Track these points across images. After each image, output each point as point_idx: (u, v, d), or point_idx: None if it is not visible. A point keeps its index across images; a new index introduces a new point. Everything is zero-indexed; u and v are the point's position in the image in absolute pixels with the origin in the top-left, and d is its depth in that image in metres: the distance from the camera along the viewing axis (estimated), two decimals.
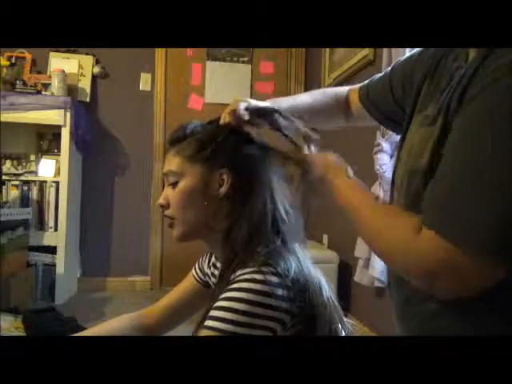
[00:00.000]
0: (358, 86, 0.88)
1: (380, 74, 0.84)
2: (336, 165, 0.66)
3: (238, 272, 0.62)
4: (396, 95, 0.76)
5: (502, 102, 0.46)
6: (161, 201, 0.73)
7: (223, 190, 0.69)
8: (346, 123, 0.92)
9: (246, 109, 0.71)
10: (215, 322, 0.58)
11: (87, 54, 2.76)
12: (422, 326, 0.60)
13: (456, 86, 0.55)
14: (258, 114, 0.73)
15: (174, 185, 0.71)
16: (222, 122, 0.73)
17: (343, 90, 0.90)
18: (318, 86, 2.73)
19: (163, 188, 0.75)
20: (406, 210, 0.61)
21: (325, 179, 0.65)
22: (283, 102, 0.83)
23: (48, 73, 2.66)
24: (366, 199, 0.62)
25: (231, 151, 0.70)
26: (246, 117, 0.70)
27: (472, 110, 0.49)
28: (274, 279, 0.60)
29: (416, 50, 0.75)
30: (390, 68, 0.82)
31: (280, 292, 0.59)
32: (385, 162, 1.70)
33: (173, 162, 0.72)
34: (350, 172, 0.65)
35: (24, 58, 2.69)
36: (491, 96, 0.47)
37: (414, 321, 0.62)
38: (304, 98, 0.88)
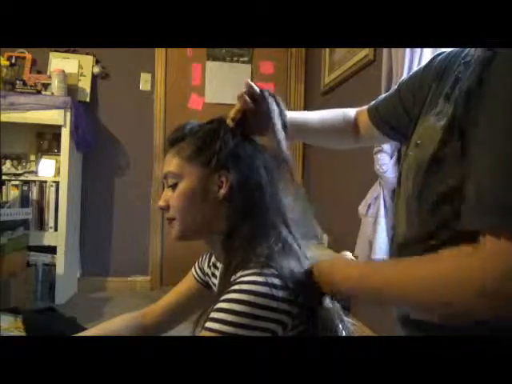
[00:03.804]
0: (364, 107, 0.90)
1: (385, 94, 0.86)
2: (334, 265, 0.63)
3: (239, 273, 0.62)
4: (406, 104, 0.77)
5: None
6: (161, 203, 0.72)
7: (222, 191, 0.69)
8: (355, 144, 0.94)
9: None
10: (215, 324, 0.58)
11: (87, 54, 2.76)
12: (423, 319, 0.60)
13: (466, 78, 0.56)
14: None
15: (174, 187, 0.71)
16: (237, 104, 0.72)
17: (351, 111, 0.92)
18: (318, 86, 2.72)
19: (163, 188, 0.75)
20: (409, 204, 0.62)
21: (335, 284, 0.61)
22: (293, 113, 0.83)
23: (48, 73, 2.66)
24: (388, 267, 0.56)
25: (230, 152, 0.70)
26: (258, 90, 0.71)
27: (492, 104, 0.48)
28: (275, 281, 0.60)
29: (423, 64, 0.77)
30: (396, 86, 0.83)
31: (281, 294, 0.59)
32: (385, 162, 1.69)
33: (172, 163, 0.71)
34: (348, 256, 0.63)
35: (24, 58, 2.69)
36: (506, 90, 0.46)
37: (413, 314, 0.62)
38: (313, 116, 0.89)
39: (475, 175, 0.46)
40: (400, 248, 0.67)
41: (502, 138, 0.44)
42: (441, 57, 0.71)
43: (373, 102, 0.88)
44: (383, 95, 0.87)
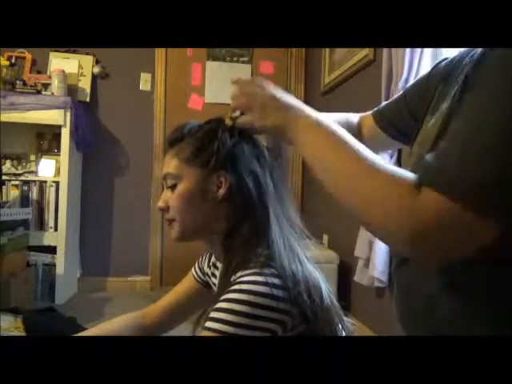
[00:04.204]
0: (367, 113, 0.90)
1: (388, 100, 0.87)
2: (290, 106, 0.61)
3: (239, 273, 0.62)
4: (412, 108, 0.78)
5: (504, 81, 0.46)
6: (160, 204, 0.72)
7: (222, 192, 0.69)
8: None
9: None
10: (216, 324, 0.58)
11: (87, 53, 2.76)
12: (423, 315, 0.60)
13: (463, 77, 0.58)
14: None
15: (173, 188, 0.71)
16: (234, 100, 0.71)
17: (353, 116, 0.92)
18: (318, 86, 2.72)
19: (163, 188, 0.75)
20: None
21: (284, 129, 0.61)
22: None
23: (48, 73, 2.66)
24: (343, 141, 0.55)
25: (228, 152, 0.70)
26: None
27: (476, 91, 0.49)
28: (275, 281, 0.60)
29: (425, 67, 0.78)
30: (402, 91, 0.84)
31: (281, 293, 0.59)
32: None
33: (171, 165, 0.71)
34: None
35: (24, 58, 2.69)
36: (494, 75, 0.47)
37: (414, 308, 0.62)
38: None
39: (445, 141, 0.49)
40: None
41: (472, 127, 0.46)
42: (447, 61, 0.73)
43: (376, 108, 0.89)
44: (386, 102, 0.88)
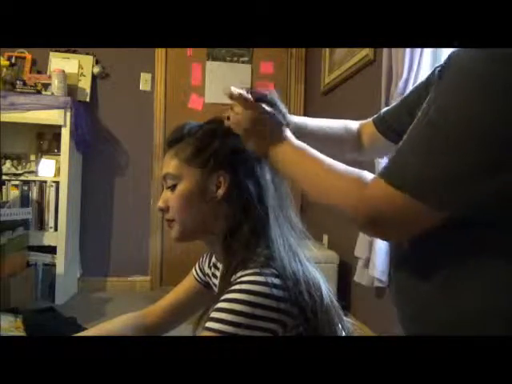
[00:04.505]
0: (368, 120, 0.90)
1: (389, 106, 0.87)
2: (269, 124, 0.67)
3: (239, 273, 0.62)
4: (411, 111, 0.77)
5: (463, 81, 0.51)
6: (160, 204, 0.72)
7: (221, 192, 0.69)
8: (357, 156, 0.93)
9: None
10: (215, 324, 0.58)
11: (87, 53, 2.76)
12: (420, 313, 0.61)
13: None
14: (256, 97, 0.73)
15: (173, 188, 0.71)
16: (231, 93, 0.71)
17: (352, 123, 0.91)
18: (318, 86, 2.72)
19: (163, 188, 0.75)
20: None
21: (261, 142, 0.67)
22: (293, 117, 0.83)
23: (48, 73, 2.66)
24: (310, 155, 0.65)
25: (228, 153, 0.70)
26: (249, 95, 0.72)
27: (437, 92, 0.55)
28: (275, 281, 0.60)
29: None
30: (404, 95, 0.84)
31: (281, 293, 0.59)
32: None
33: (170, 165, 0.71)
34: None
35: (24, 58, 2.69)
36: (455, 76, 0.53)
37: (412, 307, 0.62)
38: (312, 121, 0.88)
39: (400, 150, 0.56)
40: (399, 245, 0.67)
41: (428, 133, 0.52)
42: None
43: (376, 114, 0.88)
44: (386, 107, 0.87)
